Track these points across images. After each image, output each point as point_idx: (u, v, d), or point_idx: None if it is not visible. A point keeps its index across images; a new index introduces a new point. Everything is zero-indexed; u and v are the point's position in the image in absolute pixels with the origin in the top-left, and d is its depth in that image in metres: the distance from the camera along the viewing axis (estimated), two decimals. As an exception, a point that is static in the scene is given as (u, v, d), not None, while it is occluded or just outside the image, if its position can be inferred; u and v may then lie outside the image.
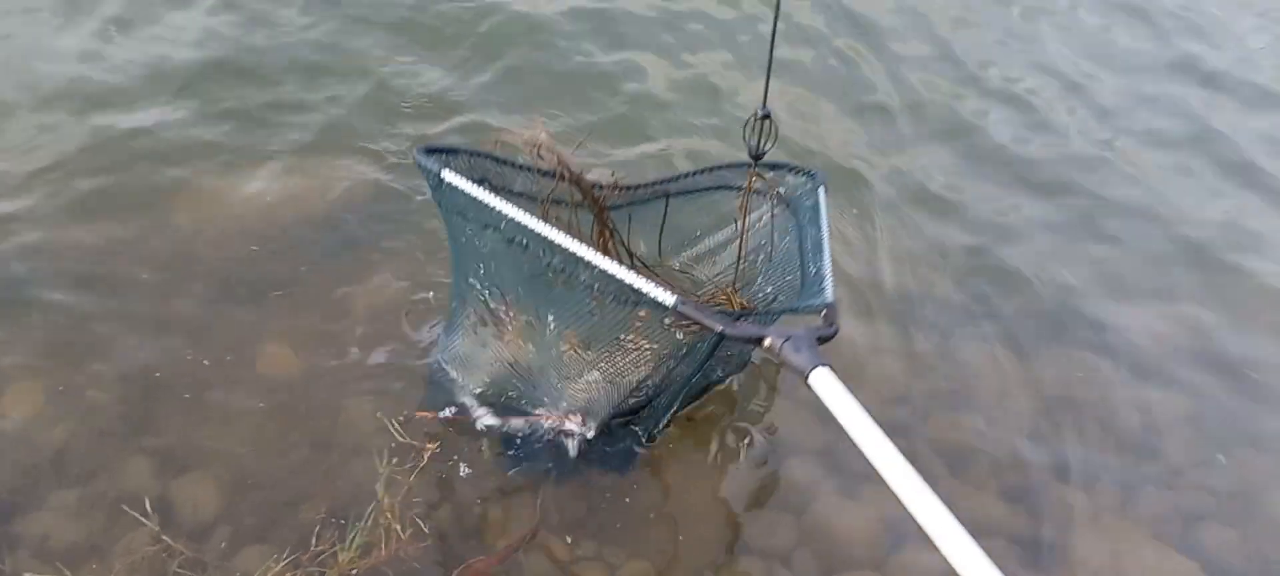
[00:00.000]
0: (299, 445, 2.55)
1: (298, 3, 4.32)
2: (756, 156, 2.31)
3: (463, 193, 2.09)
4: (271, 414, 2.60)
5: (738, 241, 2.60)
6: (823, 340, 1.80)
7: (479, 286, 2.39)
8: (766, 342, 1.75)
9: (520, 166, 2.32)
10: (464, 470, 2.53)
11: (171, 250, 3.04)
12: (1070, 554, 2.62)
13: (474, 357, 2.57)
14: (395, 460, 2.50)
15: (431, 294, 2.98)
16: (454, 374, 2.66)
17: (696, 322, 1.88)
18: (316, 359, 2.77)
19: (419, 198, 3.36)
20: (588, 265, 1.97)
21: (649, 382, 2.48)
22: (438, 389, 2.67)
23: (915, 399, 2.98)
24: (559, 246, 1.98)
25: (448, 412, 2.62)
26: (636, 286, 1.91)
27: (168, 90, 3.71)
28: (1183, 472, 2.93)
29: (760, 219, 2.60)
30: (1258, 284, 3.76)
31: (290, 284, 2.98)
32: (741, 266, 2.63)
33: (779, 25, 2.19)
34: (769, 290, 2.58)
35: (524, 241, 2.06)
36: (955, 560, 1.31)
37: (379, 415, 2.62)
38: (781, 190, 2.56)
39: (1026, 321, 3.35)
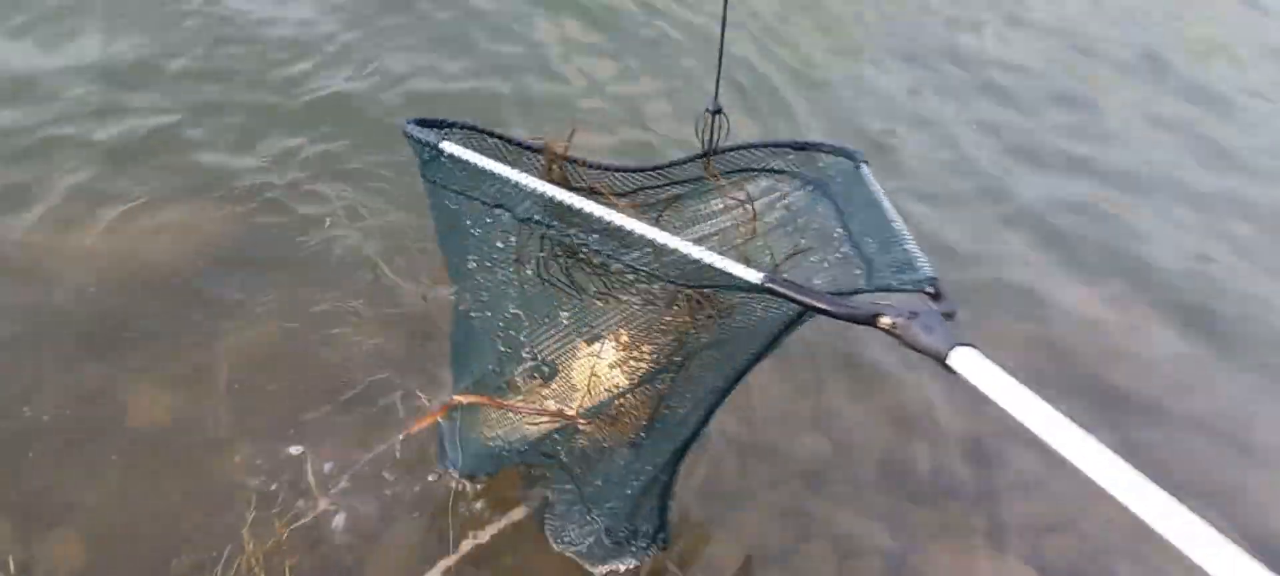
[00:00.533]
0: (168, 495, 2.55)
1: (165, 33, 4.29)
2: (711, 152, 2.17)
3: (465, 168, 1.83)
4: (139, 464, 2.60)
5: (750, 225, 2.31)
6: (947, 316, 1.55)
7: (486, 296, 2.11)
8: (884, 321, 1.50)
9: (525, 146, 2.04)
10: (339, 520, 2.55)
11: (29, 301, 3.01)
12: (922, 568, 2.77)
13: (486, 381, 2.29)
14: (269, 509, 2.53)
15: (301, 330, 3.01)
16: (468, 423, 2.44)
17: (793, 301, 1.61)
18: (185, 407, 2.77)
19: (297, 237, 3.38)
20: (641, 239, 1.70)
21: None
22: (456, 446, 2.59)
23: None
24: (600, 218, 1.71)
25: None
26: (715, 263, 1.63)
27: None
28: (1029, 486, 3.10)
29: (782, 199, 2.30)
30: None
31: (157, 331, 2.97)
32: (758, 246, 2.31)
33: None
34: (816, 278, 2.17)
35: (546, 219, 1.80)
36: (1173, 533, 1.17)
37: (256, 462, 2.64)
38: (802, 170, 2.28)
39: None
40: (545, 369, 2.10)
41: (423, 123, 1.87)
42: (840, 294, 1.67)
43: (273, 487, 2.58)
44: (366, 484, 2.64)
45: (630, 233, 1.69)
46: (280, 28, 4.58)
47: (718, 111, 2.11)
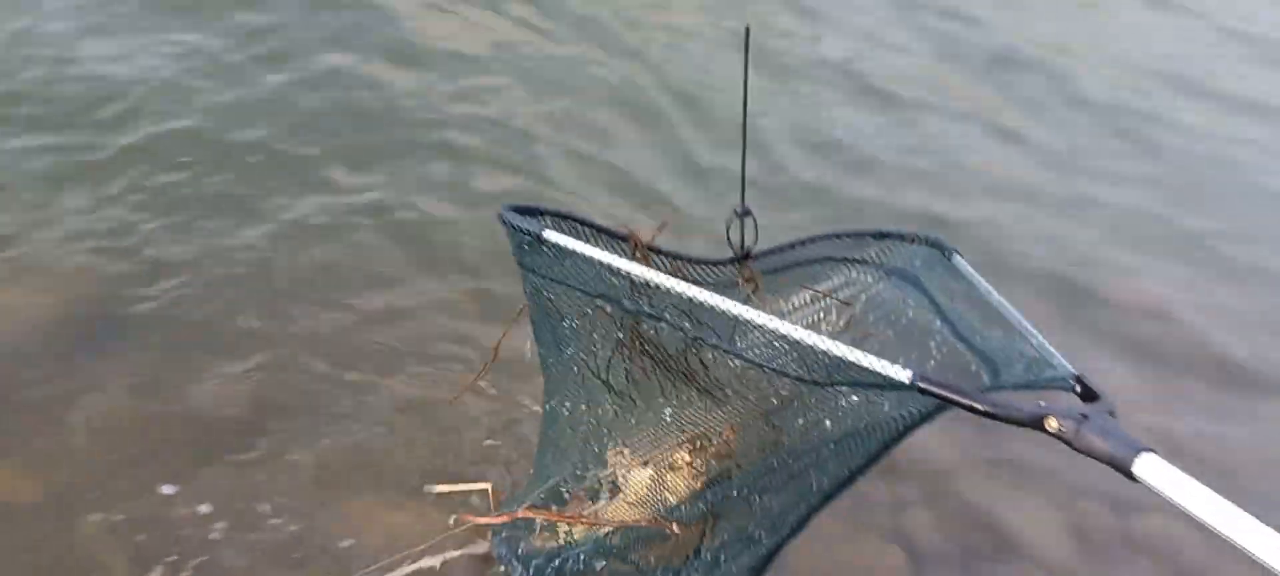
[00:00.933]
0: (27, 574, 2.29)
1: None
2: (745, 255, 2.01)
3: (569, 256, 1.72)
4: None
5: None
6: (1111, 416, 1.43)
7: (580, 391, 1.96)
8: (1052, 424, 1.35)
9: (614, 235, 1.89)
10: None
11: None
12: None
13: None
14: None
15: (164, 399, 2.79)
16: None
17: (948, 401, 1.45)
18: (44, 481, 2.51)
19: (149, 303, 3.12)
20: (763, 329, 1.56)
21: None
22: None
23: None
24: (715, 308, 1.58)
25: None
26: (859, 360, 1.47)
27: None
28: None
29: (866, 292, 2.09)
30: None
31: (12, 403, 2.71)
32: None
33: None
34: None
35: (656, 310, 1.69)
36: None
37: (117, 534, 2.39)
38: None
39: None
40: (636, 471, 1.98)
41: (520, 210, 1.78)
42: (996, 391, 1.55)
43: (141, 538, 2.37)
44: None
45: (751, 322, 1.57)
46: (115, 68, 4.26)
47: (747, 213, 1.97)
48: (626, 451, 2.01)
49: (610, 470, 2.03)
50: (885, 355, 1.54)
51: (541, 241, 1.75)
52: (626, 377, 1.91)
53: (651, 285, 1.66)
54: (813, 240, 2.08)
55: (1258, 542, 1.20)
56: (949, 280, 1.91)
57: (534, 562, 2.13)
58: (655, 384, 1.91)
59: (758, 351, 1.65)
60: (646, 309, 1.73)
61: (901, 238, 2.02)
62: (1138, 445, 1.31)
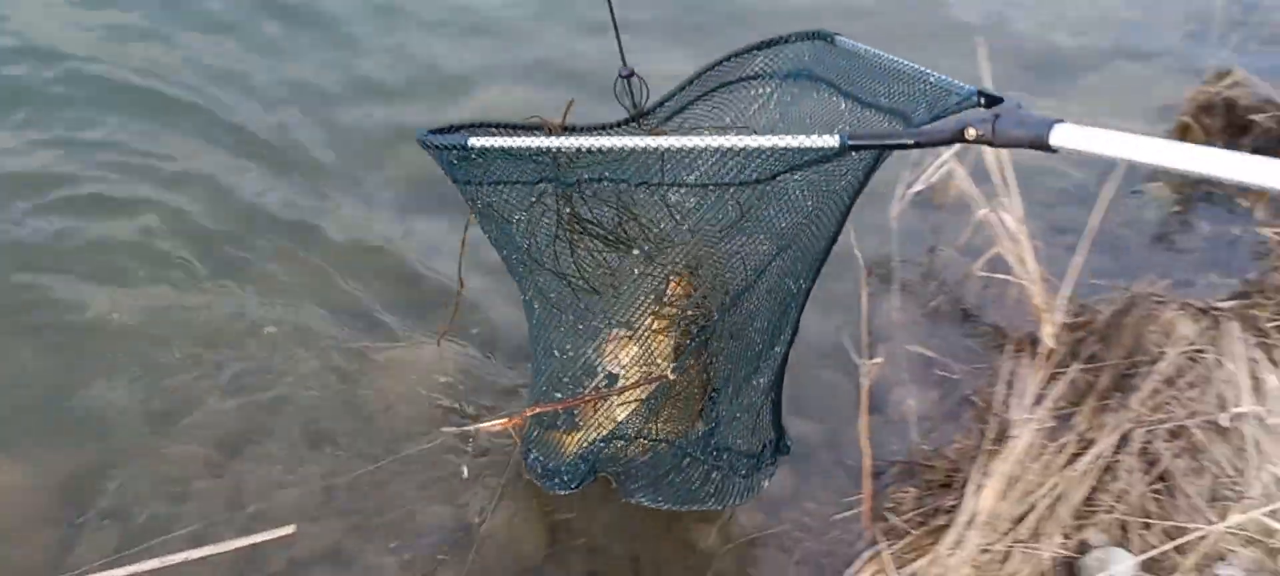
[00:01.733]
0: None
1: None
2: (641, 113, 2.10)
3: (499, 155, 1.80)
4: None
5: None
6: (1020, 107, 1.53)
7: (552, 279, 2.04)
8: (971, 132, 1.48)
9: (525, 127, 1.93)
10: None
11: None
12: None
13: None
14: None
15: None
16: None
17: (876, 147, 1.60)
18: None
19: None
20: (708, 150, 1.64)
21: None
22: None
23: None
24: (651, 148, 1.67)
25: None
26: (789, 143, 1.58)
27: None
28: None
29: (769, 103, 2.14)
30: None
31: None
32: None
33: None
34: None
35: (594, 174, 1.79)
36: None
37: None
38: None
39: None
40: (626, 350, 2.06)
41: (437, 132, 1.83)
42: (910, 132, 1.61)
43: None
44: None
45: (691, 148, 1.63)
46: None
47: (631, 73, 2.05)
48: (610, 345, 2.09)
49: (603, 360, 2.10)
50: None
51: (467, 149, 1.80)
52: (579, 262, 1.98)
53: (579, 151, 1.74)
54: (701, 74, 2.12)
55: (1170, 156, 1.33)
56: (839, 61, 1.95)
57: (564, 471, 2.27)
58: (606, 263, 1.99)
59: (695, 177, 1.71)
60: (584, 176, 1.79)
61: (784, 40, 2.06)
62: (1049, 121, 1.40)
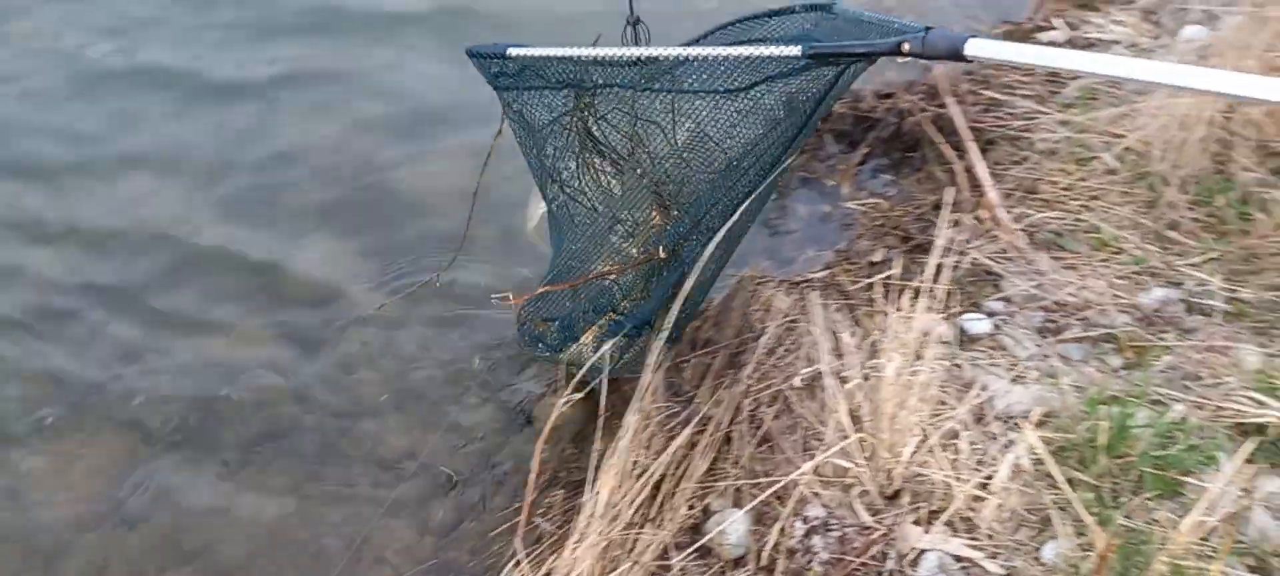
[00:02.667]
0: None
1: None
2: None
3: (536, 61, 2.18)
4: None
5: None
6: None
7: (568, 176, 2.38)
8: (907, 46, 1.82)
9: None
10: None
11: None
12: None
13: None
14: None
15: None
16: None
17: (836, 57, 1.95)
18: None
19: None
20: (695, 59, 2.02)
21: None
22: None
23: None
24: (655, 57, 2.05)
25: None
26: (757, 53, 1.96)
27: None
28: None
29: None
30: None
31: None
32: None
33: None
34: None
35: (606, 79, 2.15)
36: (1183, 82, 1.56)
37: None
38: None
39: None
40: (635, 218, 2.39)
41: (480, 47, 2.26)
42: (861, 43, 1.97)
43: None
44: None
45: (685, 56, 2.02)
46: None
47: (638, 21, 2.35)
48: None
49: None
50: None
51: (506, 58, 2.19)
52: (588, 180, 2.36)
53: (594, 60, 2.11)
54: (708, 34, 2.40)
55: (1079, 62, 1.69)
56: (836, 24, 2.28)
57: (543, 340, 2.59)
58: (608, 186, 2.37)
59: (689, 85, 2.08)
60: (601, 81, 2.16)
61: (790, 11, 2.38)
62: (965, 36, 1.75)
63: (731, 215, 2.29)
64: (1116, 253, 2.85)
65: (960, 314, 2.75)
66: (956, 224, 3.04)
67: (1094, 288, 2.74)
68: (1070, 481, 2.07)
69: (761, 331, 2.70)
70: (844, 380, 2.42)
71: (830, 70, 2.03)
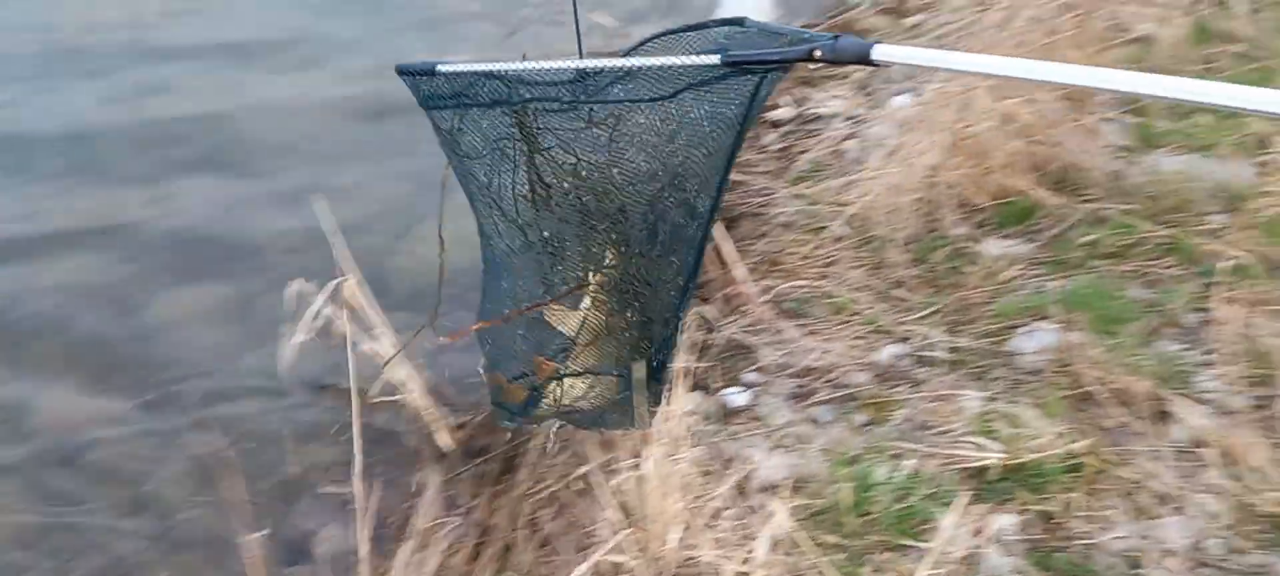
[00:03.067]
0: None
1: None
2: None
3: (465, 77, 2.12)
4: None
5: None
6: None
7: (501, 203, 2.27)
8: (818, 53, 1.86)
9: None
10: None
11: None
12: None
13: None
14: None
15: None
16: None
17: (753, 64, 1.96)
18: None
19: None
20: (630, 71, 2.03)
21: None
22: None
23: None
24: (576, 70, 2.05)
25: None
26: (677, 62, 1.98)
27: None
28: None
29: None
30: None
31: None
32: None
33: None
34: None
35: (534, 95, 2.10)
36: (1083, 81, 1.61)
37: None
38: None
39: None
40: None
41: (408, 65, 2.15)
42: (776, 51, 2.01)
43: None
44: None
45: (608, 68, 2.05)
46: None
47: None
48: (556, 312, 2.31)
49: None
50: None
51: (434, 73, 2.13)
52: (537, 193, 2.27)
53: (521, 75, 2.08)
54: (633, 49, 2.36)
55: (980, 65, 1.78)
56: (748, 37, 2.26)
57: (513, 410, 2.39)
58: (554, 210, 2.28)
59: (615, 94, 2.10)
60: (531, 94, 2.11)
61: (704, 26, 2.36)
62: (870, 43, 1.81)
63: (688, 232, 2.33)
64: (852, 315, 3.09)
65: (722, 388, 2.91)
66: (706, 302, 3.21)
67: (835, 351, 2.96)
68: (823, 545, 2.22)
69: (530, 433, 2.75)
70: (611, 475, 2.50)
71: (751, 80, 2.09)
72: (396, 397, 2.86)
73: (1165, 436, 2.45)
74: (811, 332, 3.06)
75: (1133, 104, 3.57)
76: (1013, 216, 3.25)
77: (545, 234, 2.35)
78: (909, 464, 2.46)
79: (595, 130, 2.21)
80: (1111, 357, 2.61)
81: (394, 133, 4.36)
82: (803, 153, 3.88)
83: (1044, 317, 2.84)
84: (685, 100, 2.12)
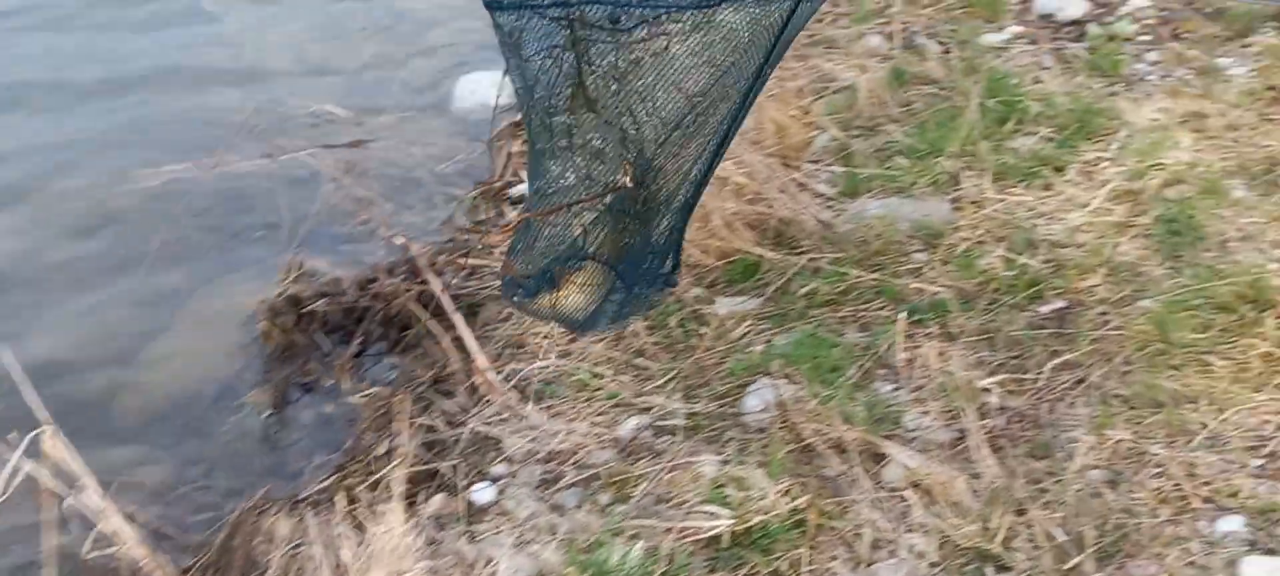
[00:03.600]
0: None
1: None
2: None
3: None
4: None
5: None
6: None
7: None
8: None
9: None
10: None
11: None
12: None
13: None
14: None
15: None
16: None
17: None
18: None
19: None
20: None
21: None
22: None
23: None
24: None
25: None
26: None
27: None
28: None
29: None
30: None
31: None
32: None
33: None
34: None
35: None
36: None
37: None
38: None
39: None
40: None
41: None
42: None
43: None
44: None
45: None
46: None
47: None
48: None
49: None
50: None
51: None
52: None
53: None
54: None
55: None
56: None
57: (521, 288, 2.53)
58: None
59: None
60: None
61: None
62: None
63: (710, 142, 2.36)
64: (596, 391, 3.11)
65: (468, 486, 2.86)
66: (450, 395, 3.16)
67: (579, 431, 2.97)
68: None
69: (266, 566, 2.61)
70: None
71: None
72: (110, 551, 2.65)
73: (880, 480, 2.58)
74: (556, 414, 3.06)
75: (840, 154, 3.79)
76: (740, 274, 3.37)
77: (592, 139, 2.39)
78: (643, 544, 2.48)
79: (638, 40, 2.23)
80: (828, 407, 2.74)
81: (112, 249, 4.10)
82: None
83: (768, 373, 2.94)
84: (724, 10, 2.15)
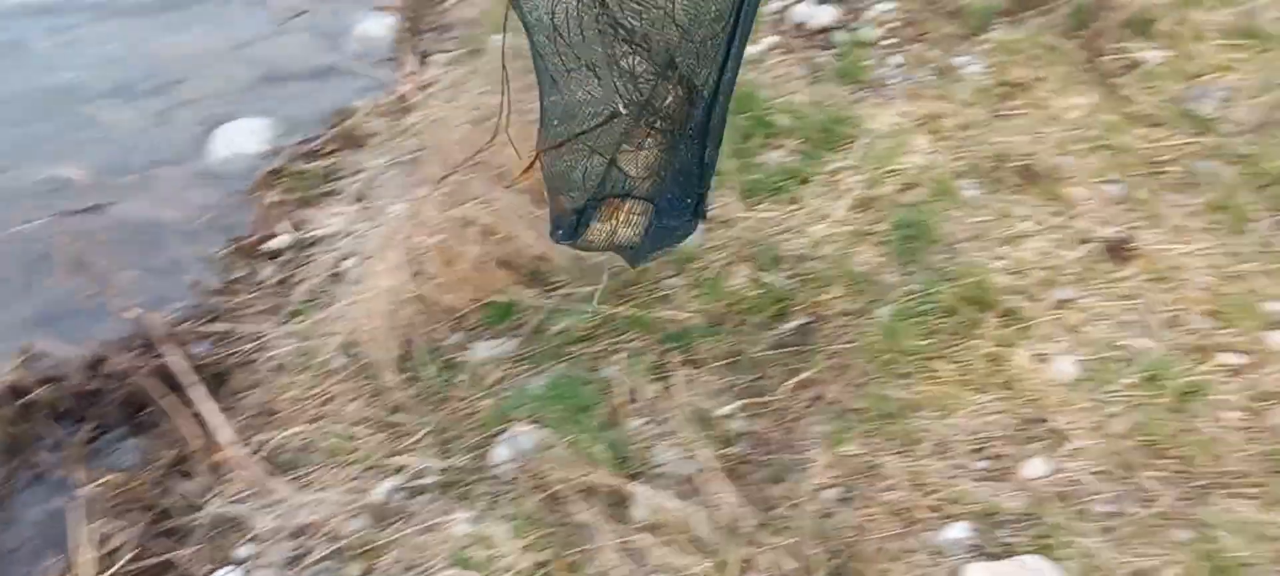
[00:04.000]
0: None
1: None
2: None
3: None
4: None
5: None
6: None
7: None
8: None
9: None
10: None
11: None
12: None
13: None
14: None
15: None
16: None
17: None
18: None
19: None
20: None
21: None
22: None
23: None
24: None
25: None
26: None
27: None
28: None
29: None
30: None
31: None
32: None
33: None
34: None
35: None
36: None
37: None
38: None
39: None
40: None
41: None
42: None
43: None
44: None
45: None
46: None
47: None
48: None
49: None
50: None
51: None
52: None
53: None
54: None
55: None
56: None
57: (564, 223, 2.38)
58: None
59: None
60: None
61: None
62: None
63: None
64: (349, 455, 2.98)
65: (210, 574, 2.69)
66: (189, 476, 2.97)
67: (331, 500, 2.84)
68: None
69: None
70: None
71: None
72: None
73: (627, 521, 2.56)
74: (306, 485, 2.92)
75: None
76: (495, 316, 3.30)
77: (617, 59, 2.21)
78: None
79: None
80: (574, 452, 2.70)
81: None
82: (300, 282, 3.72)
83: (517, 421, 2.89)
84: None
